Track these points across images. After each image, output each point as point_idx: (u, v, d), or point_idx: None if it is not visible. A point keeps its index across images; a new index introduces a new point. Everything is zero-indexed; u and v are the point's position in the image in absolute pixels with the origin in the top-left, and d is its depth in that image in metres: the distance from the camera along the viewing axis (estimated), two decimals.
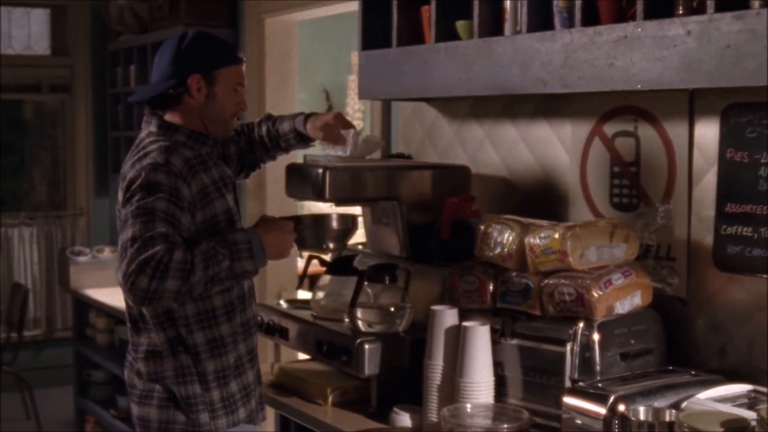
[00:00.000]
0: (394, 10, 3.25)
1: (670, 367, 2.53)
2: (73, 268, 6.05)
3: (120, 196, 2.64)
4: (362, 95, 3.43)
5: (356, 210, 3.31)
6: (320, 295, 3.15)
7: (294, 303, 3.35)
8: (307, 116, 3.07)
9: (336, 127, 3.03)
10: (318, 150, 3.16)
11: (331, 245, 3.00)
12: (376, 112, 3.87)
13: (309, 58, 6.31)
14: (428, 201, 3.16)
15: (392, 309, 2.93)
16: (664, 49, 2.32)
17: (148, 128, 2.75)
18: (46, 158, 7.80)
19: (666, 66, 2.31)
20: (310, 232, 2.89)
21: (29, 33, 7.51)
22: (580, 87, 2.55)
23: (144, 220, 2.49)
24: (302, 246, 2.93)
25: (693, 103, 2.61)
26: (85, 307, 6.26)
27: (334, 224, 2.99)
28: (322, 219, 2.98)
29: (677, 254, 2.66)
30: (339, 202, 3.03)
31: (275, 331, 3.25)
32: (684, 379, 2.41)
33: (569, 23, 2.60)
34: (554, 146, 3.06)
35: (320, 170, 2.97)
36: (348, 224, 3.02)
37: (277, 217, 2.81)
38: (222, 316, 2.71)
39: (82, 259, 6.12)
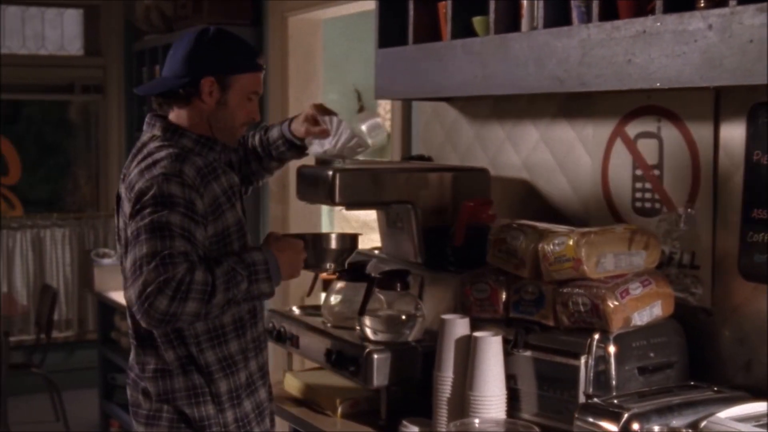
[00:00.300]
0: (411, 6, 3.13)
1: (692, 383, 2.38)
2: (96, 270, 6.00)
3: (127, 207, 2.48)
4: (378, 95, 3.32)
5: (371, 214, 3.19)
6: (332, 301, 3.04)
7: (306, 309, 3.25)
8: (293, 118, 2.92)
9: (316, 116, 2.83)
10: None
11: (329, 265, 2.86)
12: (396, 112, 3.75)
13: (340, 57, 6.20)
14: (444, 205, 3.04)
15: (403, 317, 2.82)
16: (683, 44, 2.18)
17: (152, 131, 2.59)
18: (90, 159, 7.77)
19: (686, 62, 2.17)
20: (310, 252, 2.73)
21: (62, 33, 7.49)
22: (598, 85, 2.41)
23: (160, 235, 2.34)
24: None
25: (718, 103, 2.47)
26: (110, 309, 6.20)
27: (333, 244, 2.85)
28: (321, 238, 2.86)
29: (701, 262, 2.51)
30: (350, 206, 2.93)
31: (286, 339, 3.15)
32: (705, 396, 2.27)
33: (587, 18, 2.47)
34: (576, 148, 2.92)
35: (330, 172, 2.87)
36: (347, 244, 2.87)
37: (286, 235, 2.68)
38: (231, 333, 2.58)
39: (106, 261, 6.06)
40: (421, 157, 3.56)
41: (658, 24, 2.24)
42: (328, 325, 3.01)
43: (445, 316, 2.59)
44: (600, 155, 2.81)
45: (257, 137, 2.96)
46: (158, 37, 5.69)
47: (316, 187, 2.94)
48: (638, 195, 2.70)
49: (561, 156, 2.98)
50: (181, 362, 2.53)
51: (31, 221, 7.40)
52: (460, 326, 2.57)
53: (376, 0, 3.26)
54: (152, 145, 2.55)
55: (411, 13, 3.13)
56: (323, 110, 2.85)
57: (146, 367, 2.57)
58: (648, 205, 2.67)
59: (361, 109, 6.40)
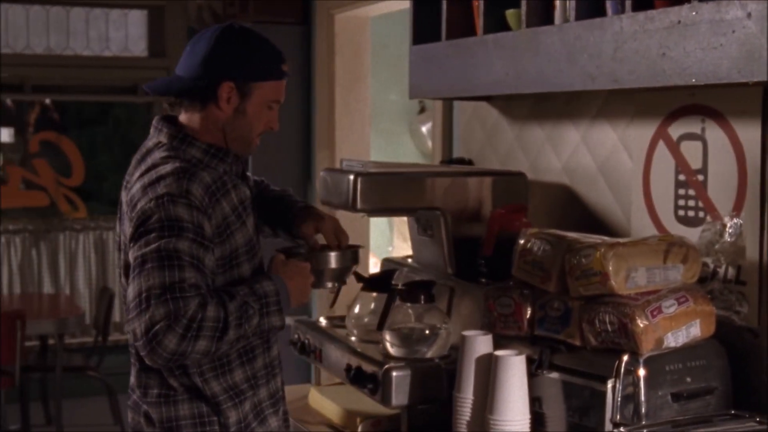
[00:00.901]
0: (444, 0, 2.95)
1: (732, 412, 2.15)
2: None
3: (128, 226, 2.27)
4: (412, 94, 3.14)
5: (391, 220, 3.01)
6: (356, 312, 2.87)
7: (334, 320, 3.08)
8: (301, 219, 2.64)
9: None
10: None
11: (329, 284, 2.65)
12: (437, 112, 3.56)
13: (401, 56, 6.02)
14: (477, 212, 2.85)
15: (427, 332, 2.63)
16: (720, 35, 1.95)
17: (158, 137, 2.37)
18: None
19: (723, 55, 1.95)
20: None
21: (126, 34, 7.47)
22: (631, 82, 2.20)
23: (168, 264, 2.15)
24: None
25: (767, 101, 2.23)
26: None
27: (333, 263, 2.60)
28: (318, 257, 2.58)
29: (748, 277, 2.27)
30: (372, 213, 2.75)
31: (310, 352, 2.99)
32: (747, 427, 2.04)
33: (621, 9, 2.25)
34: (618, 151, 2.70)
35: (351, 177, 2.70)
36: (347, 261, 2.64)
37: (290, 257, 2.47)
38: (236, 361, 2.39)
39: None
40: (461, 161, 3.37)
41: (694, 13, 2.01)
42: (352, 338, 2.84)
43: (467, 333, 2.40)
44: (642, 159, 2.59)
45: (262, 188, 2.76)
46: None
47: (337, 192, 2.78)
48: (681, 203, 2.47)
49: (602, 160, 2.76)
50: (186, 388, 2.36)
51: (94, 223, 7.39)
52: (481, 344, 2.37)
53: None
54: (157, 155, 2.34)
55: (444, 7, 2.94)
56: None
57: (149, 392, 2.39)
58: (691, 213, 2.44)
59: (422, 110, 6.22)
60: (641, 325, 2.08)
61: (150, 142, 2.41)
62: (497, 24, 2.74)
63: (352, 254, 2.61)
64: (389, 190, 2.73)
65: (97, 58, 7.35)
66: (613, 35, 2.23)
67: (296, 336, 3.06)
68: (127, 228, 2.28)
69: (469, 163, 3.35)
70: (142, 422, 2.41)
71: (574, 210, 2.87)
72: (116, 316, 7.04)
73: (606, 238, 2.26)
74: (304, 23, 4.64)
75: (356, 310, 2.87)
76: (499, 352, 2.30)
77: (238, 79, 2.31)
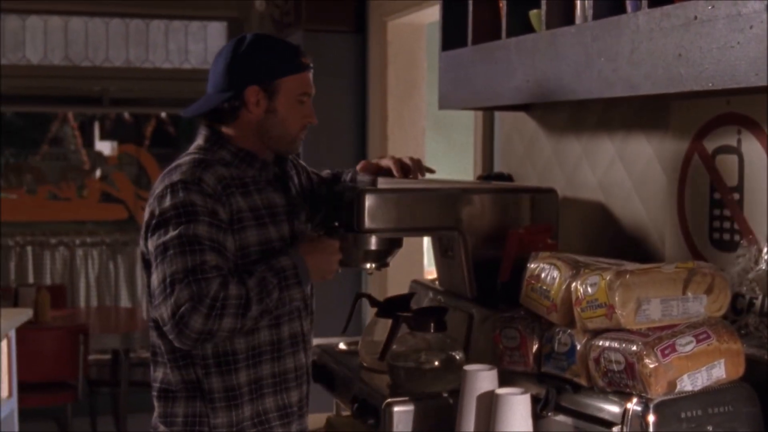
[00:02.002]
0: (470, 2, 2.71)
1: None
2: None
3: (146, 212, 2.29)
4: (441, 105, 2.91)
5: None
6: (369, 338, 2.65)
7: (353, 345, 2.86)
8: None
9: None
10: None
11: (369, 265, 2.55)
12: (477, 123, 3.32)
13: None
14: (502, 232, 2.59)
15: (436, 363, 2.40)
16: (738, 31, 1.68)
17: (197, 141, 2.39)
18: None
19: (740, 55, 1.68)
20: (349, 250, 2.46)
21: (206, 47, 7.41)
22: (647, 88, 1.94)
23: (190, 249, 2.17)
24: (341, 264, 2.48)
25: None
26: None
27: (373, 245, 2.51)
28: (361, 237, 2.50)
29: None
30: (381, 233, 2.52)
31: (324, 378, 2.78)
32: None
33: (639, 5, 1.99)
34: (652, 165, 2.43)
35: (356, 194, 2.48)
36: (386, 244, 2.52)
37: (321, 236, 2.42)
38: (242, 362, 2.31)
39: None
40: (500, 176, 3.12)
41: (710, 8, 1.75)
42: (365, 365, 2.63)
43: (468, 367, 2.17)
44: (676, 175, 2.31)
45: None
46: None
47: (342, 210, 2.56)
48: (716, 224, 2.19)
49: (636, 175, 2.49)
50: (185, 386, 2.32)
51: None
52: (484, 379, 2.13)
53: None
54: (185, 157, 2.35)
55: (470, 8, 2.71)
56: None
57: (154, 384, 2.39)
58: (726, 236, 2.15)
59: None
60: (650, 366, 1.81)
61: (191, 146, 2.41)
62: (522, 26, 2.51)
63: (392, 240, 2.51)
64: (400, 209, 2.50)
65: (176, 71, 7.31)
66: (630, 35, 1.98)
67: (315, 359, 2.86)
68: (145, 214, 2.30)
69: (509, 178, 3.10)
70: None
71: (608, 231, 2.60)
72: None
73: (626, 264, 1.99)
74: (359, 31, 4.45)
75: (370, 335, 2.65)
76: (500, 390, 2.06)
77: (261, 81, 2.32)
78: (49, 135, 9.49)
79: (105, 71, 7.11)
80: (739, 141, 2.11)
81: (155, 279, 2.21)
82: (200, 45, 7.41)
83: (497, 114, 3.25)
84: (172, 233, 2.19)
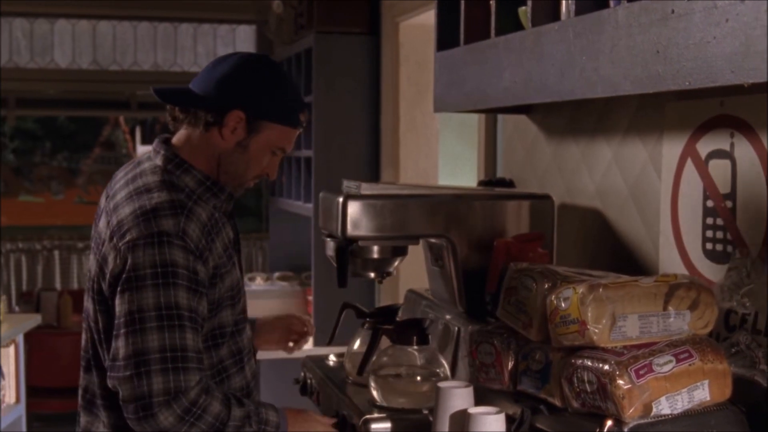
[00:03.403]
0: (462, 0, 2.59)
1: None
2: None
3: (111, 258, 2.04)
4: (436, 107, 2.79)
5: None
6: (354, 350, 2.54)
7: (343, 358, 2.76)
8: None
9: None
10: None
11: (371, 275, 2.52)
12: (480, 127, 3.19)
13: None
14: (492, 241, 2.47)
15: (418, 378, 2.29)
16: (714, 25, 1.55)
17: (155, 159, 2.17)
18: None
19: (716, 51, 1.54)
20: (354, 261, 2.46)
21: (234, 50, 7.32)
22: (626, 88, 1.80)
23: (168, 325, 1.98)
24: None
25: None
26: None
27: (375, 253, 2.46)
28: (364, 248, 2.45)
29: None
30: (366, 241, 2.42)
31: (311, 392, 2.68)
32: None
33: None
34: (647, 171, 2.29)
35: (340, 200, 2.38)
36: (387, 252, 2.46)
37: (310, 412, 2.28)
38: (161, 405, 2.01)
39: (254, 287, 5.64)
40: (501, 181, 2.99)
41: (688, 1, 1.61)
42: (350, 379, 2.52)
43: (443, 384, 2.05)
44: (670, 181, 2.17)
45: None
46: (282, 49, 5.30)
47: (330, 216, 2.46)
48: (709, 234, 2.04)
49: (632, 181, 2.35)
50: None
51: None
52: (457, 397, 2.01)
53: None
54: (151, 178, 2.13)
55: (462, 6, 2.59)
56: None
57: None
58: (719, 247, 2.01)
59: None
60: (623, 387, 1.68)
61: (146, 164, 2.19)
62: (513, 25, 2.38)
63: (394, 248, 2.48)
64: (384, 215, 2.39)
65: None
66: (610, 31, 1.85)
67: (302, 374, 2.76)
68: (110, 260, 2.05)
69: (510, 183, 2.97)
70: None
71: (604, 240, 2.46)
72: None
73: (589, 277, 1.86)
74: (372, 33, 4.34)
75: (355, 347, 2.54)
76: (473, 409, 1.94)
77: (249, 112, 2.12)
78: (100, 139, 9.54)
79: (133, 75, 7.09)
80: (731, 145, 1.96)
81: (122, 347, 1.98)
82: (229, 48, 7.34)
83: (500, 117, 3.12)
84: (148, 299, 1.98)
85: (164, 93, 2.21)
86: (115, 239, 2.06)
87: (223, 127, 2.12)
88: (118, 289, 2.02)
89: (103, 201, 2.23)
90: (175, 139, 2.20)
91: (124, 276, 2.00)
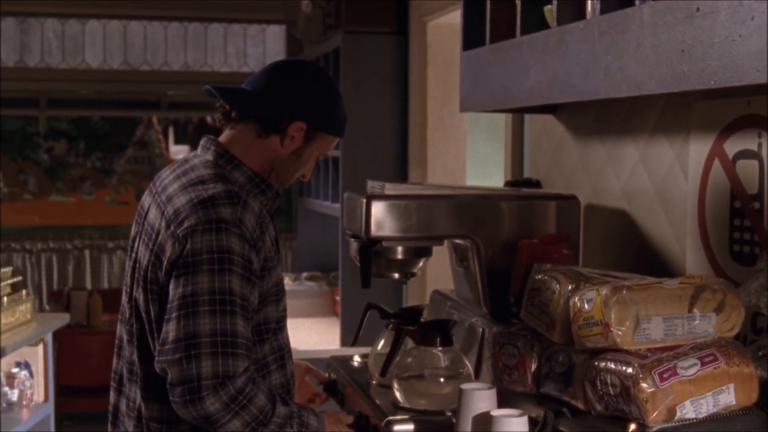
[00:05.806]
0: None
1: None
2: None
3: (170, 245, 2.05)
4: (462, 107, 2.78)
5: None
6: (378, 351, 2.53)
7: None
8: None
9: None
10: None
11: (396, 275, 2.51)
12: (507, 126, 3.17)
13: None
14: (518, 242, 2.45)
15: (441, 380, 2.27)
16: (740, 23, 1.52)
17: (205, 155, 2.20)
18: None
19: (742, 50, 1.52)
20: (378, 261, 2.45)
21: (264, 50, 7.37)
22: (651, 87, 1.78)
23: (221, 310, 1.99)
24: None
25: None
26: None
27: (399, 254, 2.46)
28: (387, 248, 2.45)
29: None
30: (390, 241, 2.40)
31: (336, 394, 2.67)
32: None
33: None
34: (674, 171, 2.26)
35: (364, 200, 2.37)
36: (411, 253, 2.45)
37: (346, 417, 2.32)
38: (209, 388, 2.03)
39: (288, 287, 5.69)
40: (528, 182, 2.97)
41: None
42: (373, 380, 2.51)
43: (466, 386, 2.03)
44: (697, 181, 2.15)
45: None
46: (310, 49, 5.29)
47: (353, 217, 2.46)
48: (736, 235, 2.01)
49: (659, 181, 2.32)
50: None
51: None
52: (480, 399, 1.99)
53: None
54: (203, 171, 2.15)
55: (488, 5, 2.58)
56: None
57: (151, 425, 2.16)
58: (747, 249, 1.98)
59: None
60: (647, 391, 1.66)
61: (196, 159, 2.22)
62: (538, 24, 2.36)
63: (418, 249, 2.48)
64: (408, 216, 2.38)
65: (235, 75, 7.26)
66: (635, 30, 1.83)
67: (327, 374, 2.76)
68: (168, 247, 2.06)
69: (537, 184, 2.95)
70: None
71: (631, 242, 2.44)
72: None
73: (613, 279, 1.84)
74: (400, 33, 4.32)
75: (379, 348, 2.53)
76: (496, 412, 1.92)
77: (311, 123, 2.19)
78: (133, 139, 9.59)
79: (164, 75, 7.12)
80: (759, 145, 1.94)
81: (173, 329, 2.00)
82: (259, 48, 7.37)
83: (527, 117, 3.10)
84: (203, 283, 2.00)
85: (230, 98, 2.21)
86: (172, 227, 2.07)
87: (285, 136, 2.18)
88: (174, 273, 2.04)
89: (147, 198, 2.24)
90: (223, 137, 2.23)
91: (180, 261, 2.03)
